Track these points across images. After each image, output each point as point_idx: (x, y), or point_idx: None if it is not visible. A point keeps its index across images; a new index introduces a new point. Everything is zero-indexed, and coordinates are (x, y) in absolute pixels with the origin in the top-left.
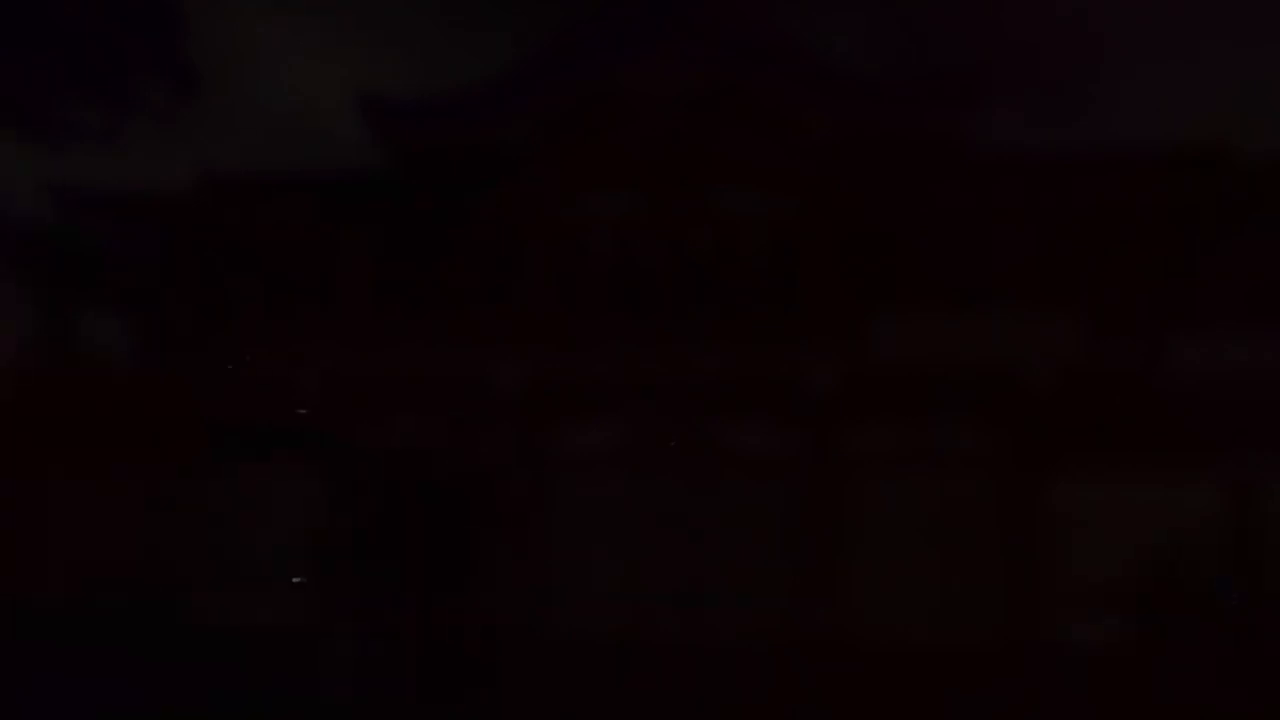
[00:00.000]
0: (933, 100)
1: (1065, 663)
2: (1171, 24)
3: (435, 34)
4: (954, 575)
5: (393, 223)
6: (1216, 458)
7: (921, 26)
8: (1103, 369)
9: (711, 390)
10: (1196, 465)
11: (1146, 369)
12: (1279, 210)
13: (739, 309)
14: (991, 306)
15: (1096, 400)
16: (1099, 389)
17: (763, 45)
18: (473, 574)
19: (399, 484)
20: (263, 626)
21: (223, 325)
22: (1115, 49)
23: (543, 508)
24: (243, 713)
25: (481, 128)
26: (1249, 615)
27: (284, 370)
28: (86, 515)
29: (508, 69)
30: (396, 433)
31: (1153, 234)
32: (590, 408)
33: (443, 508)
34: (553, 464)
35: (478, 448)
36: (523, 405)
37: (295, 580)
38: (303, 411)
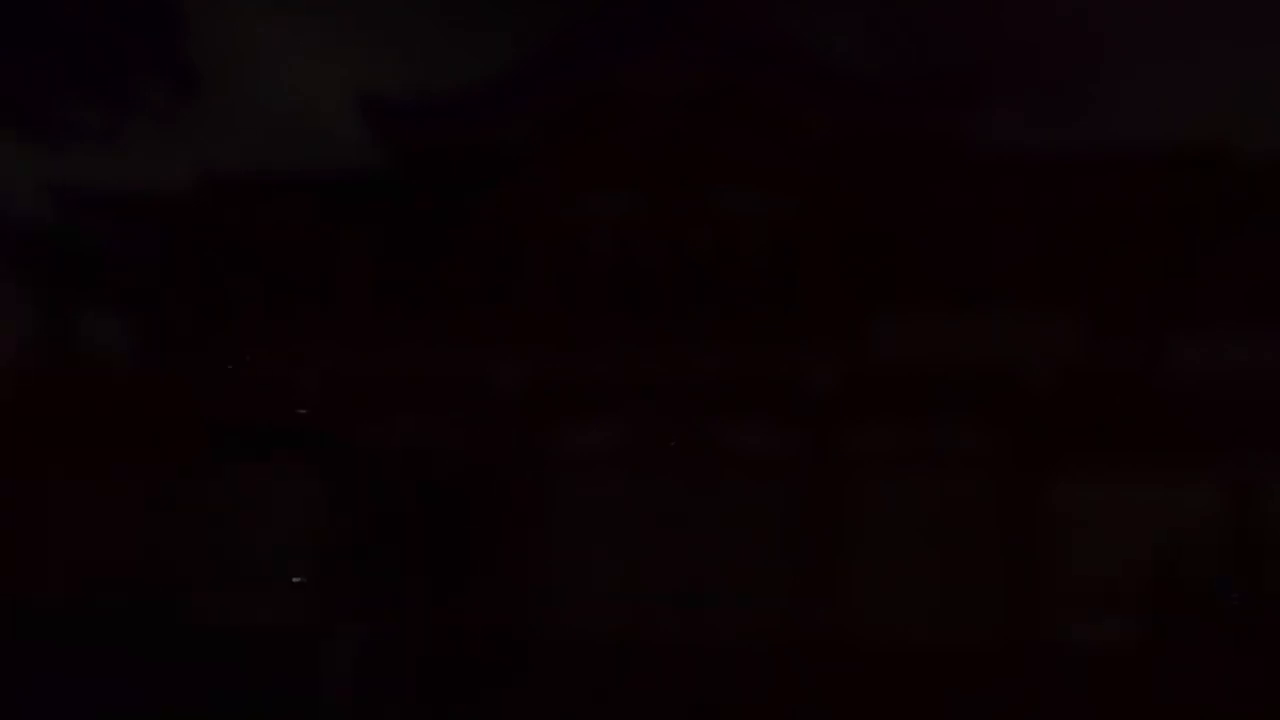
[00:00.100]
0: (933, 100)
1: (1065, 663)
2: (1171, 24)
3: (435, 34)
4: (954, 575)
5: (393, 223)
6: (1216, 458)
7: (921, 26)
8: (1103, 369)
9: (711, 390)
10: (1196, 465)
11: (1146, 369)
12: (1279, 210)
13: (739, 309)
14: (991, 306)
15: (1096, 400)
16: (1099, 389)
17: (763, 45)
18: (472, 574)
19: (399, 484)
20: (263, 626)
21: (223, 325)
22: (1115, 49)
23: (543, 508)
24: (243, 713)
25: (481, 128)
26: (1249, 615)
27: (284, 370)
28: (86, 515)
29: (508, 69)
30: (396, 433)
31: (1153, 234)
32: (590, 408)
33: (442, 508)
34: (553, 464)
35: (478, 448)
36: (523, 405)
37: (295, 580)
38: (303, 411)
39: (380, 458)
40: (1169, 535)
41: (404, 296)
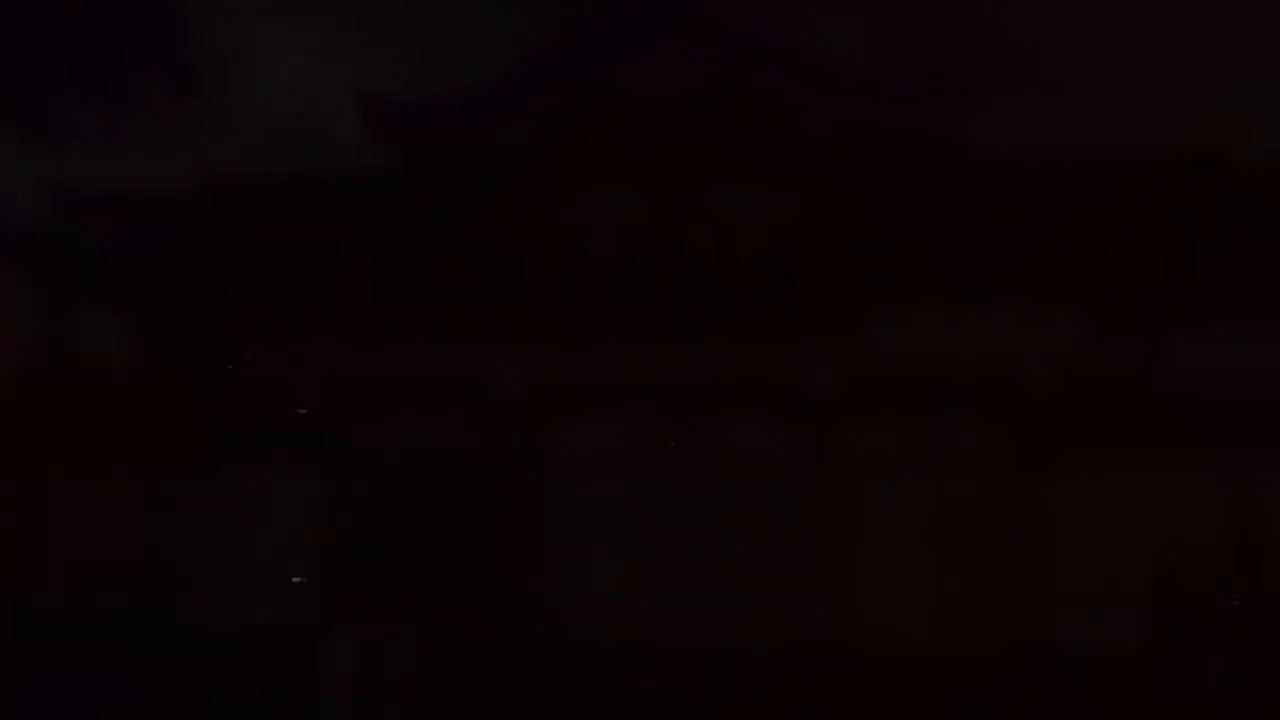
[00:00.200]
0: (933, 100)
1: (1065, 663)
2: (1171, 24)
3: (435, 34)
4: (954, 575)
5: (393, 223)
6: (1216, 458)
7: (921, 26)
8: (1103, 369)
9: (711, 390)
10: (1196, 465)
11: (1146, 369)
12: (1279, 210)
13: (739, 309)
14: (991, 306)
15: (1096, 400)
16: (1099, 389)
17: (763, 45)
18: (473, 574)
19: (399, 484)
20: (263, 626)
21: (223, 325)
22: (1115, 49)
23: (543, 508)
24: (243, 713)
25: (481, 128)
26: (1249, 615)
27: (284, 370)
28: (86, 515)
29: (508, 69)
30: (396, 433)
31: (1153, 234)
32: (590, 408)
33: (442, 508)
34: (553, 464)
35: (478, 448)
36: (523, 405)
37: (295, 580)
38: (303, 411)
39: (380, 458)
40: (1169, 535)
41: (404, 296)
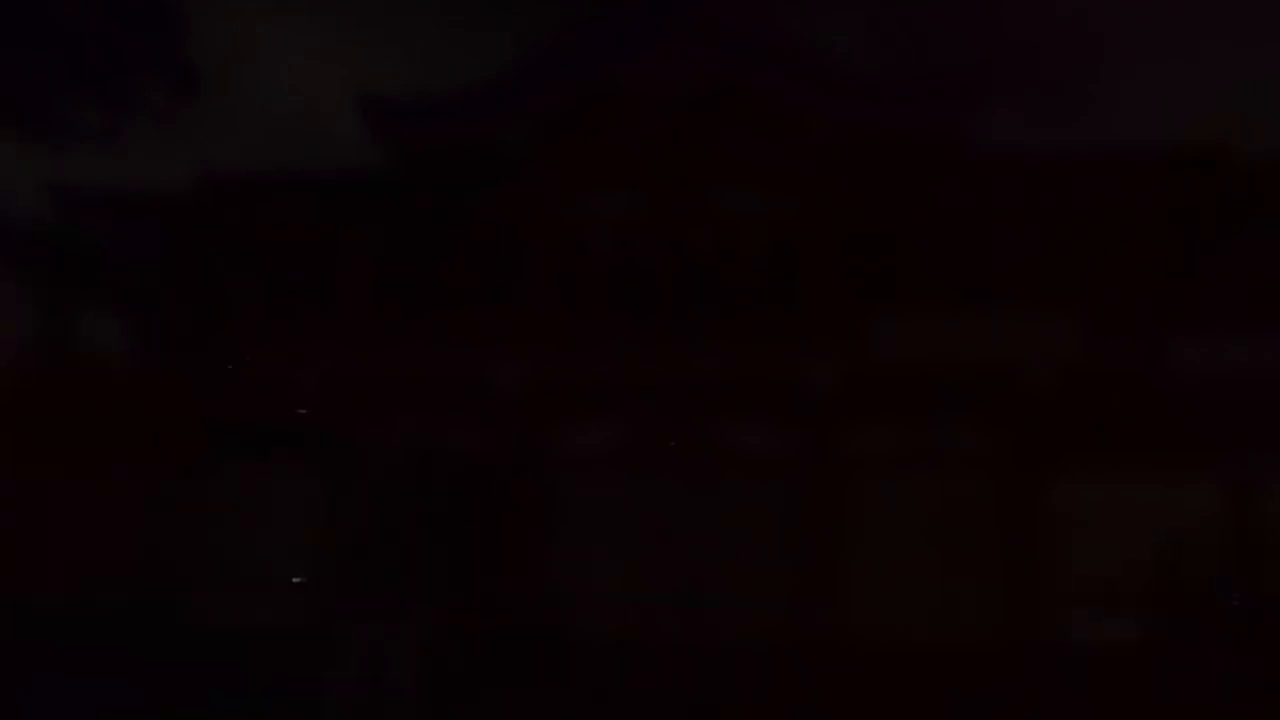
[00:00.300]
0: (933, 100)
1: (1065, 663)
2: (1171, 24)
3: (435, 34)
4: (954, 575)
5: (393, 223)
6: (1216, 458)
7: (921, 26)
8: (1103, 369)
9: (711, 390)
10: (1196, 465)
11: (1146, 369)
12: (1279, 210)
13: (739, 309)
14: (991, 306)
15: (1096, 400)
16: (1099, 389)
17: (763, 45)
18: (473, 574)
19: (399, 484)
20: (263, 626)
21: (223, 325)
22: (1115, 49)
23: (543, 508)
24: (243, 713)
25: (481, 128)
26: (1249, 615)
27: (284, 370)
28: (86, 515)
29: (508, 69)
30: (397, 433)
31: (1153, 234)
32: (590, 408)
33: (442, 508)
34: (553, 464)
35: (478, 448)
36: (523, 405)
37: (295, 580)
38: (303, 411)
39: (380, 458)
40: (1169, 535)
41: (404, 296)
